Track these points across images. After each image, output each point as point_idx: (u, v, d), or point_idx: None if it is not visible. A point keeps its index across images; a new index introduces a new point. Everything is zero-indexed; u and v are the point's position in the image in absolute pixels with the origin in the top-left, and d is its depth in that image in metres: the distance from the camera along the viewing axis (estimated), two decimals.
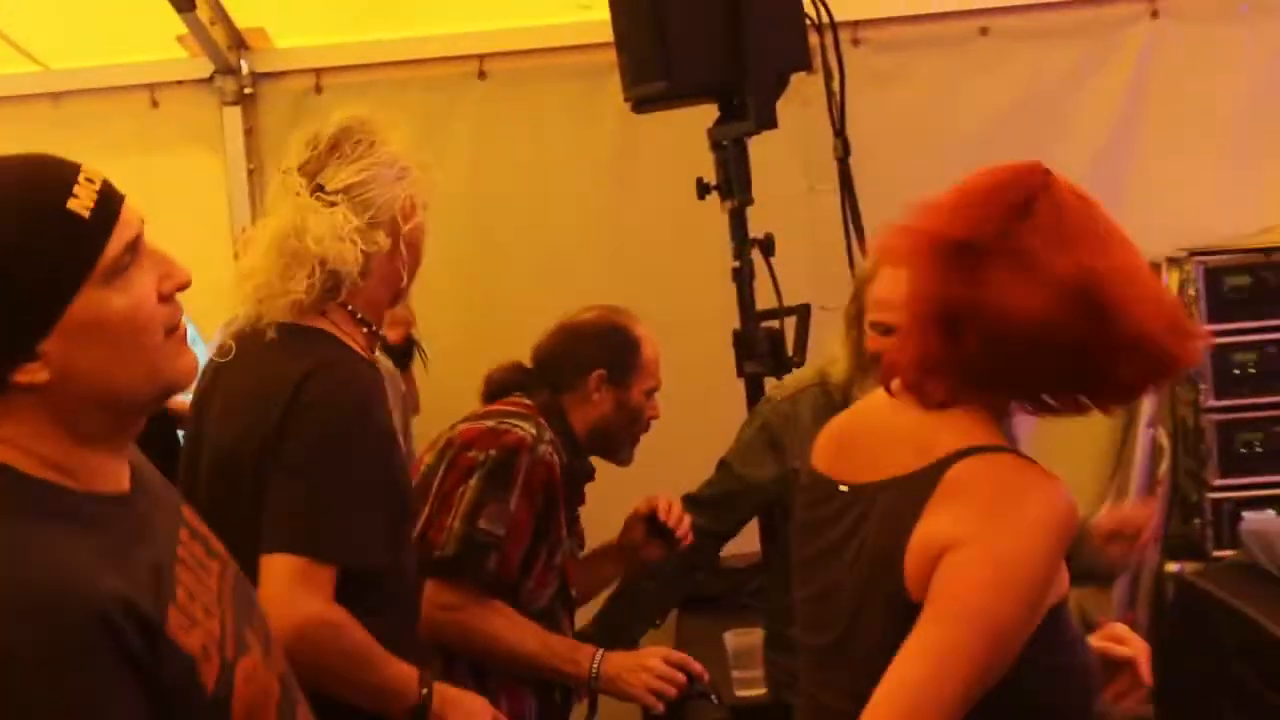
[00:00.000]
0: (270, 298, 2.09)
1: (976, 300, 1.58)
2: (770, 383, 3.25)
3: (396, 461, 2.16)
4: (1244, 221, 3.83)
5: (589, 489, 2.81)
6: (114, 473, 1.41)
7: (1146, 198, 3.93)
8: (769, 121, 3.22)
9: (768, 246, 3.31)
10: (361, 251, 2.09)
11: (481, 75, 4.24)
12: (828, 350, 2.84)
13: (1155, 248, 3.51)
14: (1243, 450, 3.67)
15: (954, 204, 1.64)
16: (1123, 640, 1.86)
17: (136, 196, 1.40)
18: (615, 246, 4.23)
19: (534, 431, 2.54)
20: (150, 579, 1.34)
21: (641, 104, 3.37)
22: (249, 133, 4.24)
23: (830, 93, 3.56)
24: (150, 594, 1.32)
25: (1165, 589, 3.67)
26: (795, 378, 2.99)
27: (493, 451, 2.50)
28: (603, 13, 3.45)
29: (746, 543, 3.11)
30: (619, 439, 2.78)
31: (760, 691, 3.00)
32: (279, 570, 1.97)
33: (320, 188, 2.11)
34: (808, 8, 3.42)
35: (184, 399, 1.96)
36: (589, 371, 2.70)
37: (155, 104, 4.28)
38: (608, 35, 3.41)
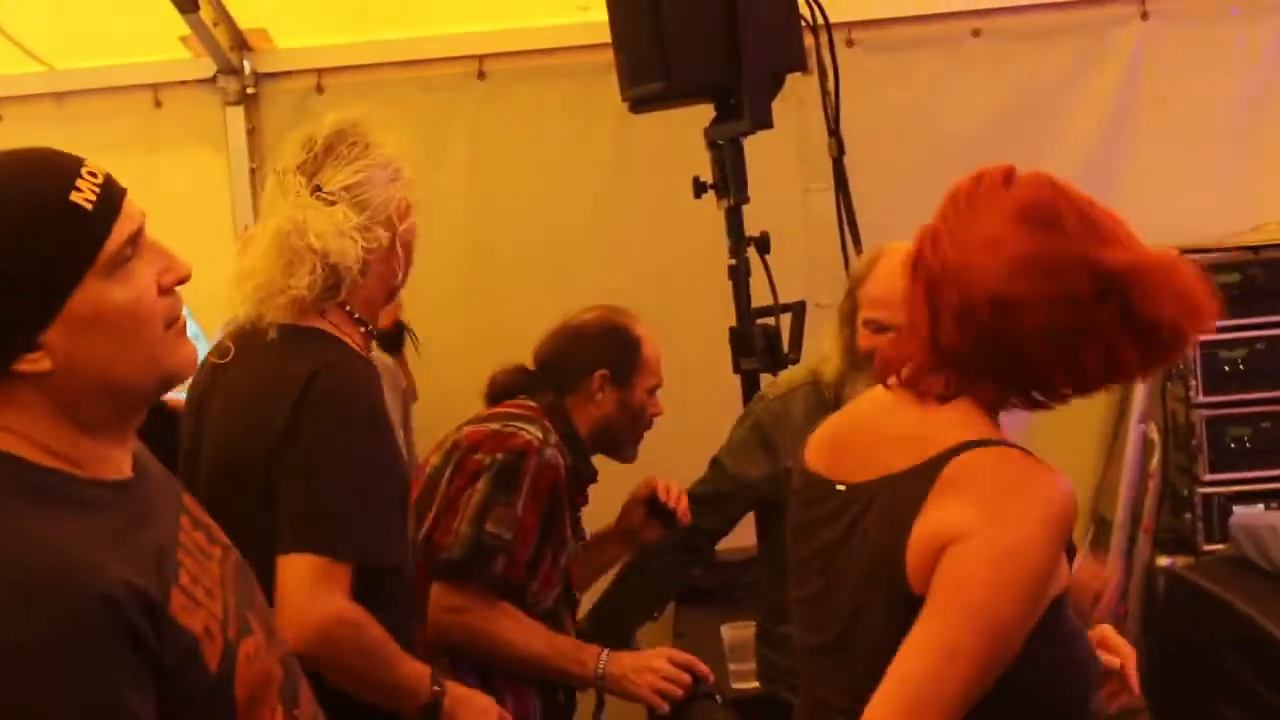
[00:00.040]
0: (271, 296, 2.10)
1: (986, 293, 1.59)
2: (764, 380, 3.26)
3: (399, 458, 2.18)
4: (1234, 220, 3.84)
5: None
6: (117, 460, 1.43)
7: (1137, 196, 3.87)
8: (765, 121, 3.23)
9: (763, 244, 3.33)
10: (362, 249, 2.11)
11: (481, 75, 4.24)
12: (823, 347, 2.85)
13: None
14: (1232, 445, 3.67)
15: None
16: (1109, 645, 1.87)
17: (140, 195, 1.42)
18: (612, 244, 4.22)
19: (540, 435, 2.55)
20: (153, 561, 1.36)
21: (639, 104, 3.38)
22: (251, 132, 4.24)
23: (825, 93, 3.59)
24: (153, 576, 1.34)
25: (1156, 583, 3.66)
26: (787, 376, 3.01)
27: (499, 455, 2.51)
28: (601, 14, 3.47)
29: (743, 537, 3.12)
30: (623, 438, 2.79)
31: (753, 685, 3.02)
32: (298, 570, 1.98)
33: (318, 188, 2.12)
34: (803, 9, 3.44)
35: (178, 396, 1.97)
36: (591, 372, 2.71)
37: (159, 104, 4.27)
38: (606, 36, 3.43)
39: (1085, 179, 4.21)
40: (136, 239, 1.39)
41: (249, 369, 2.14)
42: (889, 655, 1.55)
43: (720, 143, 3.29)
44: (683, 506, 2.82)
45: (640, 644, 3.25)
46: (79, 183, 1.35)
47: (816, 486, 1.76)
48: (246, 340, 2.13)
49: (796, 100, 3.76)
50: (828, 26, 3.53)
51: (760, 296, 3.37)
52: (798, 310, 3.39)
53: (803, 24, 3.42)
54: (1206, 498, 3.69)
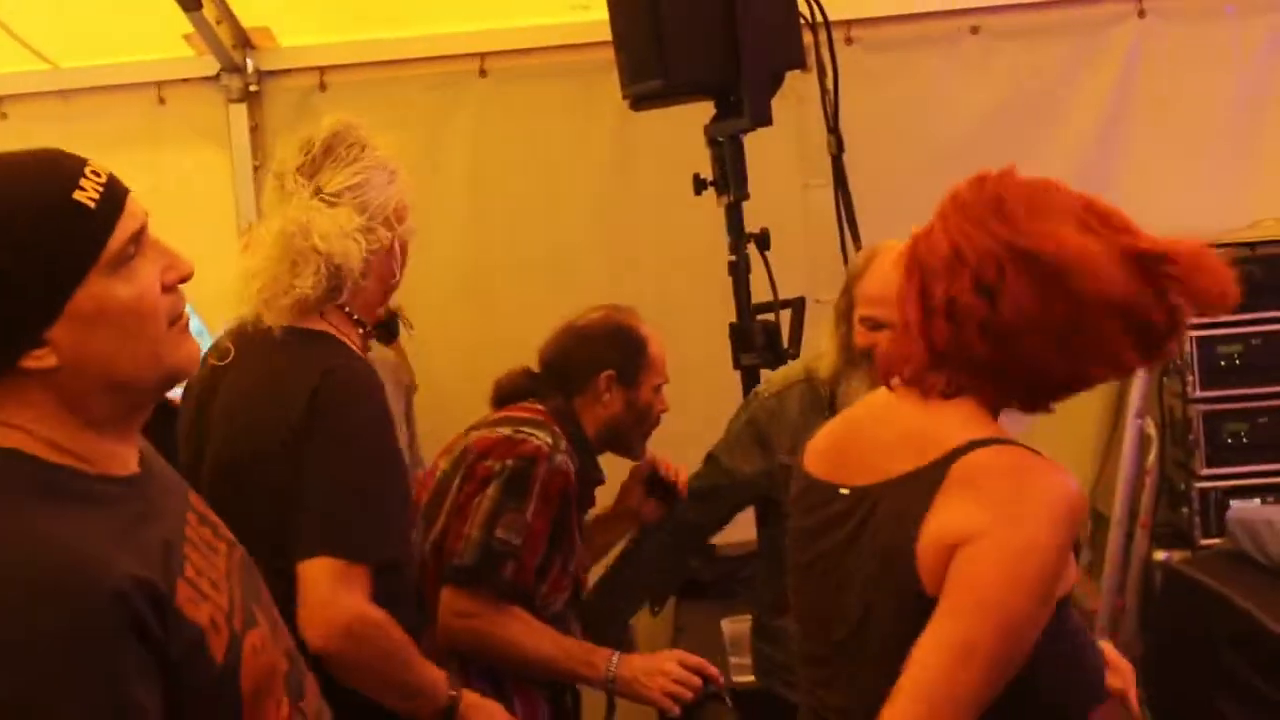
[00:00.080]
0: (275, 297, 2.11)
1: (976, 287, 1.60)
2: (761, 376, 3.26)
3: (402, 457, 2.20)
4: (1231, 216, 3.83)
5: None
6: (123, 456, 1.44)
7: (1134, 192, 3.89)
8: (764, 119, 3.24)
9: (763, 241, 3.34)
10: (366, 251, 2.12)
11: (482, 73, 4.25)
12: (822, 343, 2.83)
13: None
14: (1229, 440, 3.69)
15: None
16: (1110, 664, 1.87)
17: (144, 191, 1.44)
18: (613, 240, 4.24)
19: (550, 441, 2.54)
20: (160, 555, 1.37)
21: (639, 101, 3.40)
22: (254, 129, 4.25)
23: (824, 90, 3.62)
24: (160, 569, 1.35)
25: (1153, 577, 3.68)
26: (783, 373, 3.00)
27: (509, 461, 2.51)
28: (601, 12, 3.48)
29: (743, 532, 3.11)
30: (630, 437, 2.79)
31: (749, 679, 3.03)
32: (319, 573, 2.00)
33: (320, 189, 2.14)
34: (802, 7, 3.46)
35: (173, 394, 1.96)
36: (598, 373, 2.70)
37: (162, 101, 4.28)
38: (606, 34, 3.45)
39: (1082, 175, 4.27)
40: (139, 237, 1.40)
41: (252, 369, 2.14)
42: (899, 657, 1.55)
43: (720, 140, 3.31)
44: (682, 479, 2.83)
45: (633, 638, 3.27)
46: (82, 182, 1.36)
47: (819, 491, 1.76)
48: (247, 341, 2.13)
49: (796, 98, 3.77)
50: (826, 24, 3.56)
51: (760, 292, 3.39)
52: (797, 306, 3.41)
53: (802, 22, 3.44)
54: (1203, 492, 3.71)
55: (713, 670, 2.64)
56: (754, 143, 3.33)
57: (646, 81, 3.31)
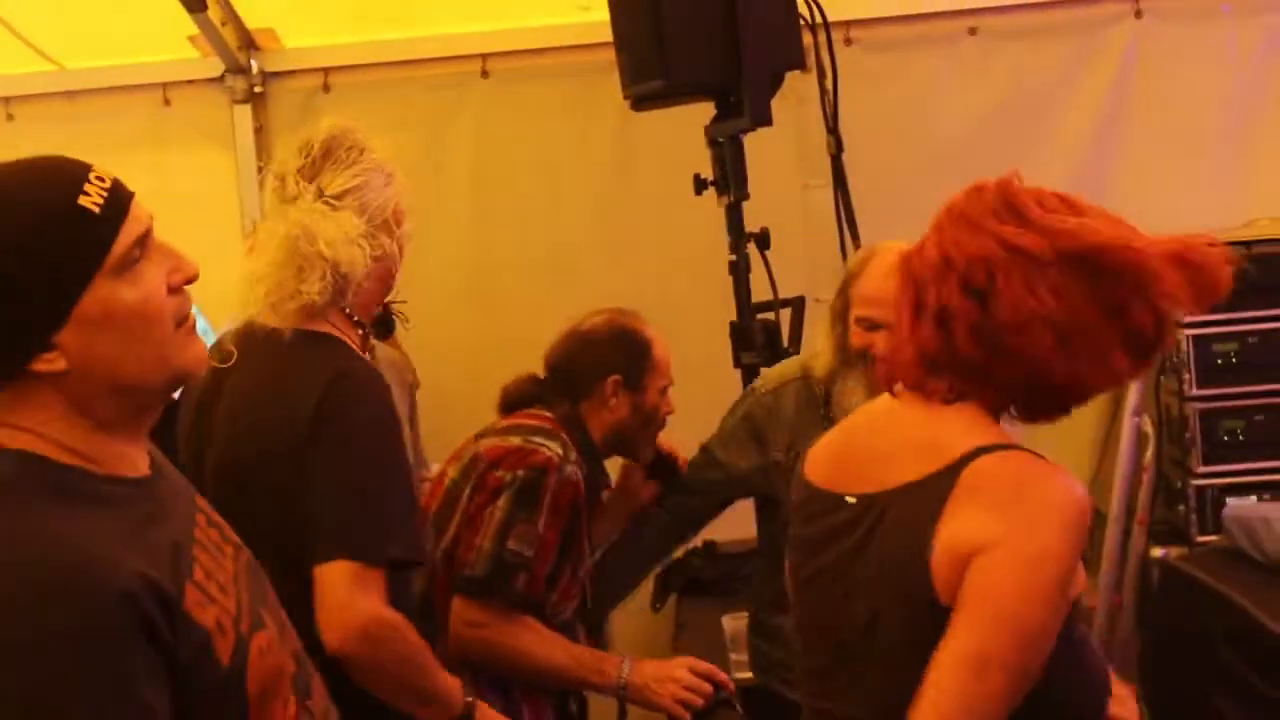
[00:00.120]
0: (282, 301, 2.12)
1: (966, 291, 1.61)
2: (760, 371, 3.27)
3: (407, 457, 2.21)
4: (1227, 215, 3.83)
5: None
6: (133, 457, 1.46)
7: (1131, 192, 3.93)
8: (764, 119, 3.24)
9: (763, 240, 3.35)
10: (370, 256, 2.14)
11: (485, 74, 4.26)
12: (819, 342, 2.85)
13: None
14: (1225, 438, 3.69)
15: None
16: (1119, 700, 1.85)
17: (149, 192, 1.45)
18: (614, 240, 4.25)
19: (560, 451, 2.55)
20: (169, 557, 1.38)
21: (640, 102, 3.41)
22: (259, 130, 4.26)
23: (823, 91, 3.63)
24: (169, 571, 1.36)
25: (1150, 573, 3.68)
26: (779, 369, 3.01)
27: (520, 472, 2.51)
28: (602, 13, 3.50)
29: (743, 529, 3.14)
30: (637, 440, 2.79)
31: (749, 675, 3.03)
32: (336, 577, 2.01)
33: (321, 192, 2.14)
34: (801, 8, 3.47)
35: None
36: (604, 378, 2.70)
37: (168, 102, 4.30)
38: (607, 35, 3.46)
39: (1079, 174, 4.28)
40: (144, 240, 1.41)
41: (256, 371, 2.15)
42: (908, 664, 1.56)
43: (720, 140, 3.32)
44: (678, 452, 2.84)
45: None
46: (86, 187, 1.37)
47: (823, 500, 1.76)
48: (250, 343, 2.13)
49: (795, 98, 3.78)
50: (826, 25, 3.57)
51: (760, 292, 3.40)
52: (797, 305, 3.42)
53: (801, 23, 3.45)
54: (1200, 490, 3.71)
55: (723, 677, 2.64)
56: (754, 143, 3.34)
57: (647, 82, 3.31)
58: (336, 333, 2.18)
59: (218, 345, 2.23)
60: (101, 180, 1.39)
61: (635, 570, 3.08)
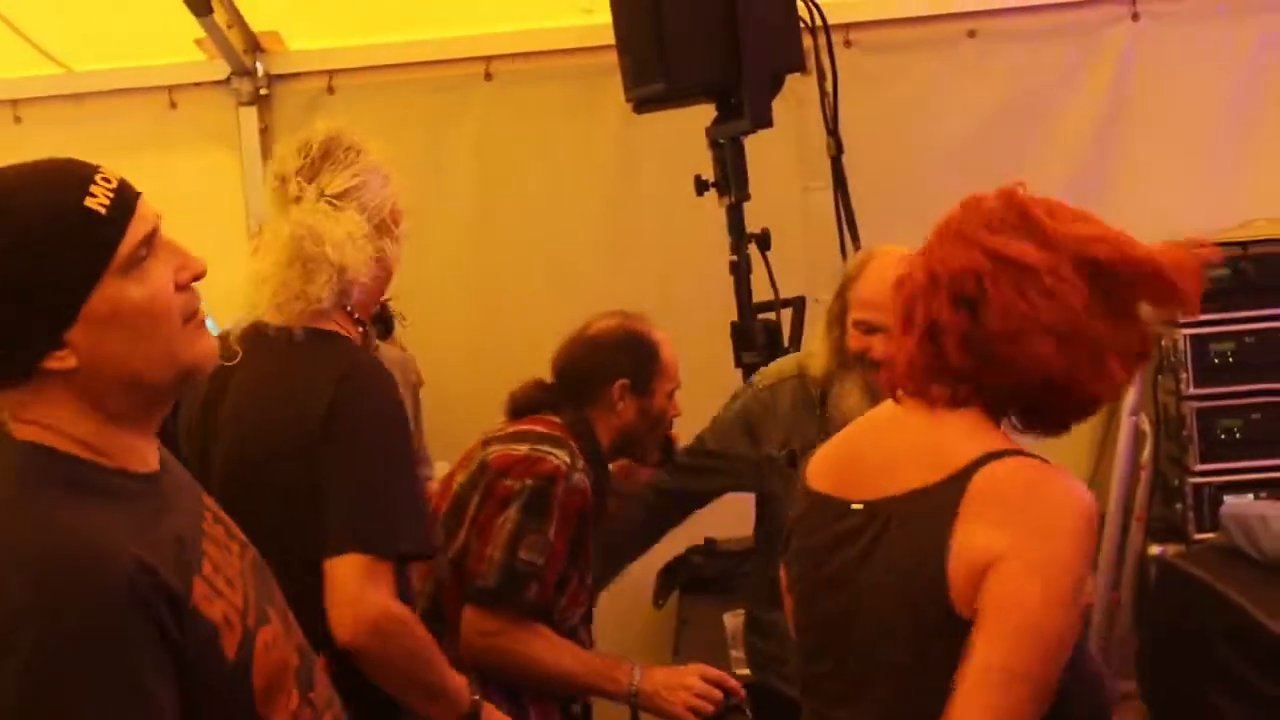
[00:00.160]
0: (288, 301, 2.13)
1: (957, 299, 1.62)
2: None
3: (415, 454, 2.23)
4: (1224, 216, 3.86)
5: None
6: (143, 452, 1.47)
7: (1129, 193, 3.98)
8: (765, 121, 3.26)
9: (764, 241, 3.36)
10: (372, 257, 2.15)
11: (488, 77, 4.28)
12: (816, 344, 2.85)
13: None
14: (1223, 436, 3.72)
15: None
16: None
17: (156, 194, 1.47)
18: (616, 241, 4.26)
19: (567, 459, 2.53)
20: (177, 551, 1.39)
21: (642, 104, 3.42)
22: (264, 132, 4.28)
23: (823, 93, 3.64)
24: (177, 566, 1.37)
25: (1148, 571, 3.71)
26: (776, 366, 3.01)
27: (529, 481, 2.49)
28: (604, 16, 3.52)
29: (742, 528, 3.15)
30: (644, 443, 2.78)
31: (746, 672, 3.02)
32: (347, 570, 2.01)
33: (322, 192, 2.16)
34: (801, 11, 3.48)
35: None
36: (611, 382, 2.68)
37: (174, 105, 4.32)
38: (609, 38, 3.48)
39: (1078, 176, 4.28)
40: (151, 239, 1.42)
41: (263, 369, 2.14)
42: (913, 673, 1.57)
43: (721, 142, 3.33)
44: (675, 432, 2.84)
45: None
46: (93, 189, 1.39)
47: (827, 507, 1.75)
48: (254, 342, 2.12)
49: (796, 100, 3.79)
50: (826, 28, 3.59)
51: (761, 292, 3.41)
52: (798, 305, 3.44)
53: (801, 25, 3.46)
54: (1197, 488, 3.74)
55: (733, 683, 2.63)
56: (754, 145, 3.35)
57: (649, 85, 3.33)
58: (340, 330, 2.19)
59: (222, 343, 2.24)
60: (108, 181, 1.41)
61: (619, 555, 3.03)
